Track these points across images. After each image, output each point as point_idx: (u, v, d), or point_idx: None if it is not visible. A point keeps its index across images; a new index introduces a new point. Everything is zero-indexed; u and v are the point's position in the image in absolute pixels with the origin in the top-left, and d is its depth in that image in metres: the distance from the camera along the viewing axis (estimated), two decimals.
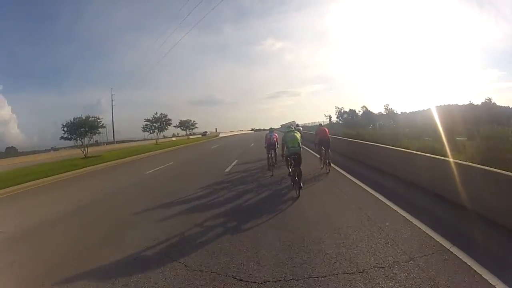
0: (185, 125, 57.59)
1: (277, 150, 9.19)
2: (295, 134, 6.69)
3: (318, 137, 8.82)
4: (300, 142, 6.64)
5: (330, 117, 31.80)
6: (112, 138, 48.63)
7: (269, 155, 9.09)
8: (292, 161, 6.43)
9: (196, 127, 59.99)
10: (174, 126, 51.98)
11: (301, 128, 10.08)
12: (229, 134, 69.21)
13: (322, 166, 8.97)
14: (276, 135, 9.57)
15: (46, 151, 41.69)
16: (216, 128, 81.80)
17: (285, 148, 7.08)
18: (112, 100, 49.14)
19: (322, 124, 18.69)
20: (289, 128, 7.49)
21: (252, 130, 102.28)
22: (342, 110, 32.38)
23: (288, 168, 7.15)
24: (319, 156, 9.36)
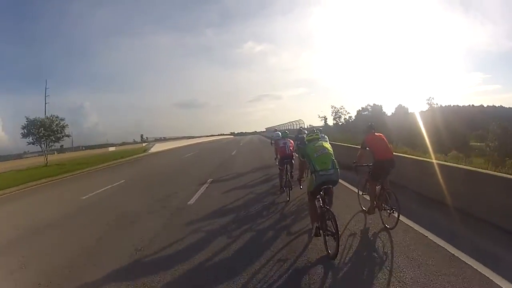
0: (40, 133, 20.89)
1: (293, 162, 6.51)
2: (324, 144, 3.91)
3: (376, 157, 4.39)
4: (334, 159, 3.77)
5: (326, 119, 25.53)
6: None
7: (284, 172, 6.36)
8: (323, 194, 3.76)
9: (67, 135, 23.41)
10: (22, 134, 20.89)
11: (324, 136, 5.67)
12: (182, 145, 37.53)
13: (365, 209, 4.79)
14: (292, 142, 6.75)
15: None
16: (142, 136, 37.97)
17: (307, 170, 4.45)
18: (45, 96, 33.98)
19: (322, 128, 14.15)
20: (313, 134, 4.15)
21: (231, 134, 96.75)
22: (341, 110, 25.89)
23: (314, 205, 3.87)
24: (359, 192, 5.18)
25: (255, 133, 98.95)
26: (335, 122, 23.94)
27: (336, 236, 3.31)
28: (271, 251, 3.79)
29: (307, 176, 4.79)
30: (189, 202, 6.69)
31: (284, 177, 6.33)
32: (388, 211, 4.26)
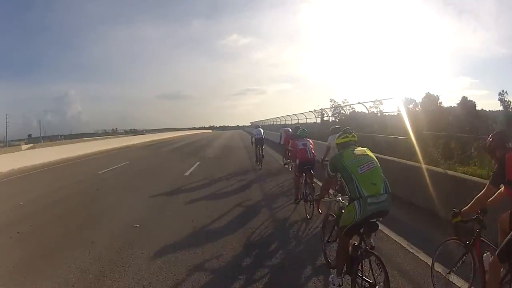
0: None
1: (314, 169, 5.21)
2: (368, 152, 2.44)
3: None
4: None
5: (323, 114, 19.88)
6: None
7: (303, 181, 5.17)
8: (364, 232, 2.36)
9: None
10: None
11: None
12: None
13: None
14: (312, 143, 5.42)
15: None
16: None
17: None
18: None
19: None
20: (348, 134, 2.65)
21: (210, 128, 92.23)
22: (343, 105, 18.64)
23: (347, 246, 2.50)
24: (434, 265, 2.61)
25: (237, 127, 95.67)
26: (334, 119, 17.93)
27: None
28: None
29: (335, 199, 2.86)
30: None
31: (301, 188, 5.26)
32: None
